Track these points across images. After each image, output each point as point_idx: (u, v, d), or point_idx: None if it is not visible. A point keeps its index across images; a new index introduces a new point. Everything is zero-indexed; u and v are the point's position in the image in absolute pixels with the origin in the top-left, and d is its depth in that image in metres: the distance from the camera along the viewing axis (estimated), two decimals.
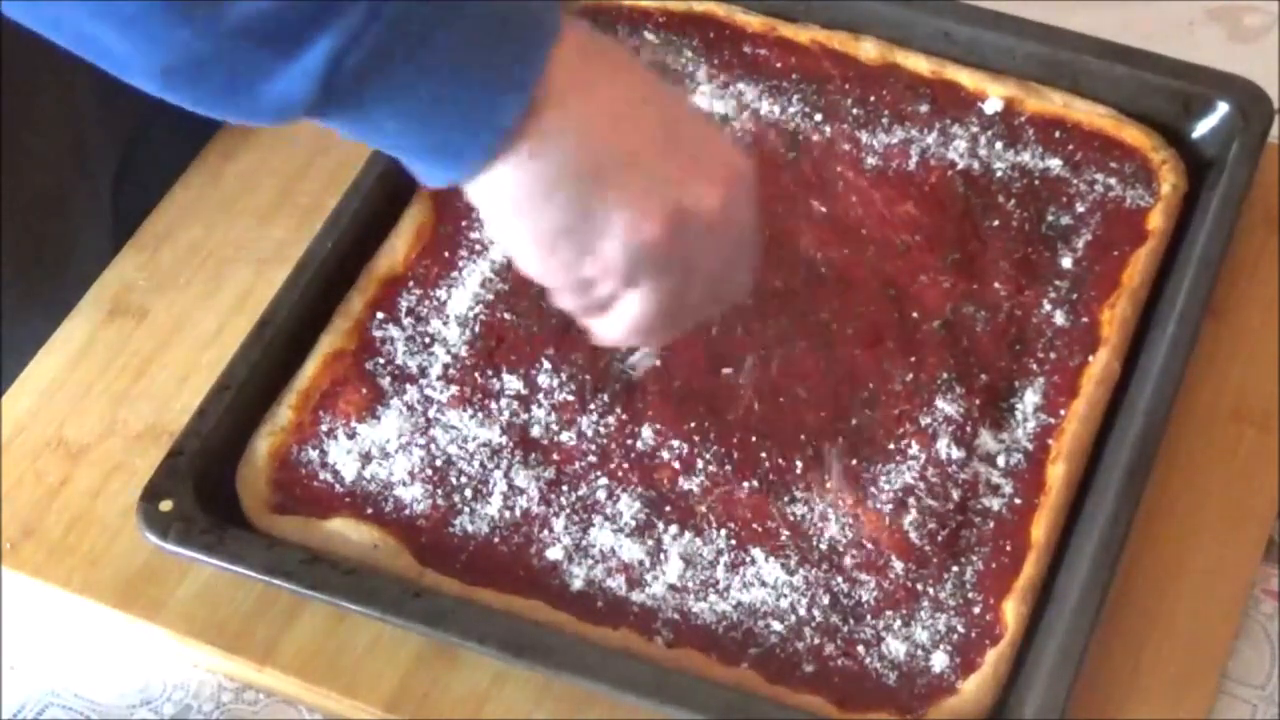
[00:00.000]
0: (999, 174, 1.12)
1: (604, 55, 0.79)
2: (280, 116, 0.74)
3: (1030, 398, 1.03)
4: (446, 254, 1.08)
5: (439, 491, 0.99)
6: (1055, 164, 1.13)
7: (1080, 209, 1.11)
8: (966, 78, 1.16)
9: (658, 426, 1.01)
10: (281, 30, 0.71)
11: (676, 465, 1.00)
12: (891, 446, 1.01)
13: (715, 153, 0.81)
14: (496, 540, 0.98)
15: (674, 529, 0.98)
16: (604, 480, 0.99)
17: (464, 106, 0.75)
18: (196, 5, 0.71)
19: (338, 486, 1.00)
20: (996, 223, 1.10)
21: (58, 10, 0.72)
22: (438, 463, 1.00)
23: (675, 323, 0.85)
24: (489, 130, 0.75)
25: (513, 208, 0.78)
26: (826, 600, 0.95)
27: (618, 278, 0.80)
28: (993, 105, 1.15)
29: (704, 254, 0.80)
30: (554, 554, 0.97)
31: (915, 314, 1.06)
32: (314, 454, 1.01)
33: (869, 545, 0.97)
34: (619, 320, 0.83)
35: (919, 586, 0.96)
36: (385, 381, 1.03)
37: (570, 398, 1.02)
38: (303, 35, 0.71)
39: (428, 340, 1.05)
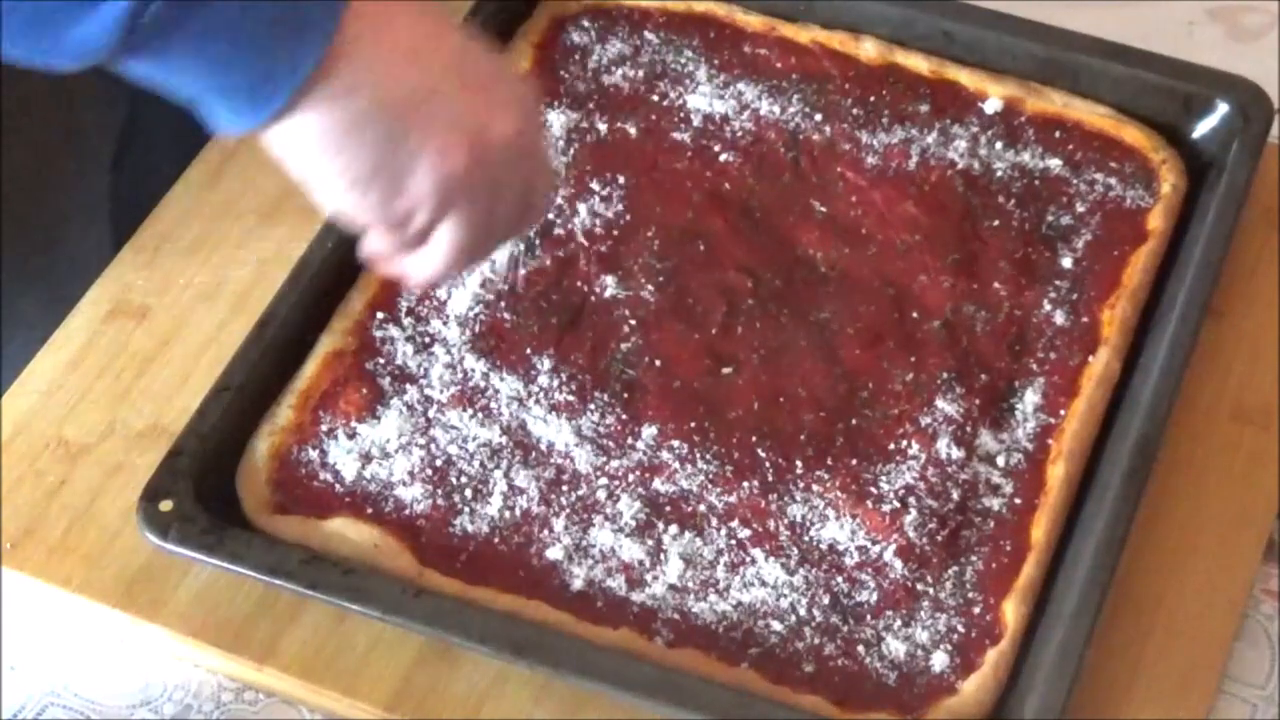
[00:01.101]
0: (999, 174, 1.12)
1: None
2: (81, 60, 0.74)
3: (1030, 398, 1.03)
4: None
5: (439, 491, 0.99)
6: (1055, 164, 1.13)
7: (1080, 209, 1.11)
8: (966, 78, 1.16)
9: (658, 426, 1.01)
10: None
11: (676, 465, 1.00)
12: (891, 446, 1.01)
13: (504, 82, 0.84)
14: (496, 540, 0.98)
15: (674, 529, 0.98)
16: (604, 480, 0.99)
17: (264, 53, 0.76)
18: None
19: (338, 486, 1.00)
20: (996, 223, 1.10)
21: None
22: (438, 463, 1.00)
23: (486, 247, 0.88)
24: (290, 75, 0.76)
25: (321, 150, 0.79)
26: (826, 600, 0.95)
27: (430, 209, 0.82)
28: (993, 105, 1.15)
29: (507, 177, 0.83)
30: (554, 554, 0.97)
31: (915, 314, 1.06)
32: (314, 454, 1.01)
33: (869, 545, 0.97)
34: (436, 251, 0.85)
35: (919, 586, 0.96)
36: (385, 381, 1.03)
37: (570, 398, 1.02)
38: None
39: (428, 340, 1.05)
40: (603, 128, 1.15)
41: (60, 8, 0.73)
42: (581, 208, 1.11)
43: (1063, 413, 1.02)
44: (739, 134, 1.15)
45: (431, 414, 1.02)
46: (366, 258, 0.89)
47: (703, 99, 1.16)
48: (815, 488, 0.99)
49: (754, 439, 1.01)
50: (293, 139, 0.79)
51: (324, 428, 1.01)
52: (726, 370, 1.04)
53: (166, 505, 0.96)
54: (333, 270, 1.06)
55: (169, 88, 0.77)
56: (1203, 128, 1.13)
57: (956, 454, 1.00)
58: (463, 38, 0.83)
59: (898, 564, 0.96)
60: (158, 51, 0.75)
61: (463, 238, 0.84)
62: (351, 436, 1.01)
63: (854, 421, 1.02)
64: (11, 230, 1.12)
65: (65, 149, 1.15)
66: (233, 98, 0.77)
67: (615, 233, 1.10)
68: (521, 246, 1.09)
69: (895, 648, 0.94)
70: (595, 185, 1.12)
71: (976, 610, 0.95)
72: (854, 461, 1.00)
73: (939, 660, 0.93)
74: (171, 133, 1.18)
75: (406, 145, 0.79)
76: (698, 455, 1.00)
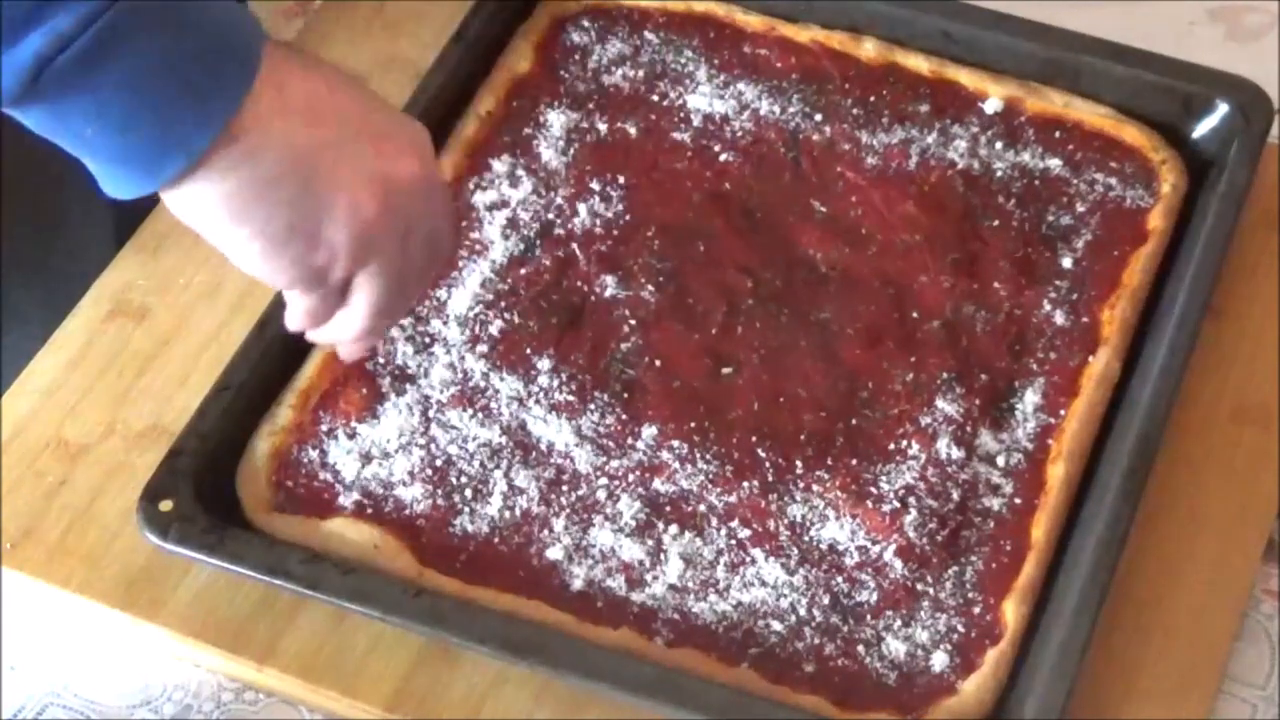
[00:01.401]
0: (999, 174, 1.12)
1: (288, 55, 0.80)
2: None
3: (1030, 398, 1.03)
4: None
5: (439, 491, 0.99)
6: (1055, 164, 1.13)
7: (1080, 209, 1.11)
8: (966, 78, 1.16)
9: (658, 426, 1.01)
10: None
11: (676, 465, 1.00)
12: (891, 446, 1.01)
13: (400, 126, 0.84)
14: (496, 540, 0.98)
15: (674, 529, 0.98)
16: (604, 480, 0.99)
17: (165, 119, 0.75)
18: None
19: (338, 486, 1.00)
20: (996, 223, 1.10)
21: None
22: (438, 463, 1.00)
23: (405, 295, 0.87)
24: (187, 143, 0.76)
25: (229, 215, 0.78)
26: (826, 600, 0.95)
27: (348, 259, 0.82)
28: (993, 105, 1.15)
29: (416, 217, 0.83)
30: (554, 554, 0.97)
31: (915, 314, 1.06)
32: (314, 454, 1.01)
33: (869, 545, 0.97)
34: (360, 304, 0.85)
35: (919, 586, 0.96)
36: (385, 381, 1.03)
37: (570, 398, 1.02)
38: (15, 30, 0.71)
39: (428, 340, 1.05)
40: (603, 128, 1.15)
41: None
42: (581, 208, 1.11)
43: (1063, 413, 1.02)
44: (739, 134, 1.15)
45: (431, 414, 1.02)
46: (294, 329, 0.88)
47: (703, 99, 1.16)
48: (815, 488, 0.99)
49: (754, 439, 1.01)
50: (195, 204, 0.78)
51: (324, 428, 1.01)
52: (726, 370, 1.04)
53: (166, 505, 0.96)
54: None
55: (61, 142, 0.76)
56: (1203, 128, 1.13)
57: (956, 454, 1.00)
58: (354, 87, 0.83)
59: (898, 564, 0.96)
60: (55, 105, 0.74)
61: (382, 286, 0.84)
62: (351, 436, 1.01)
63: (854, 421, 1.02)
64: (12, 225, 1.11)
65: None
66: (122, 162, 0.76)
67: (615, 233, 1.10)
68: (521, 246, 1.09)
69: (895, 648, 0.94)
70: (595, 185, 1.12)
71: (976, 610, 0.95)
72: (854, 461, 1.00)
73: (939, 660, 0.94)
74: None
75: (317, 201, 0.79)
76: (698, 455, 1.00)
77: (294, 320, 0.87)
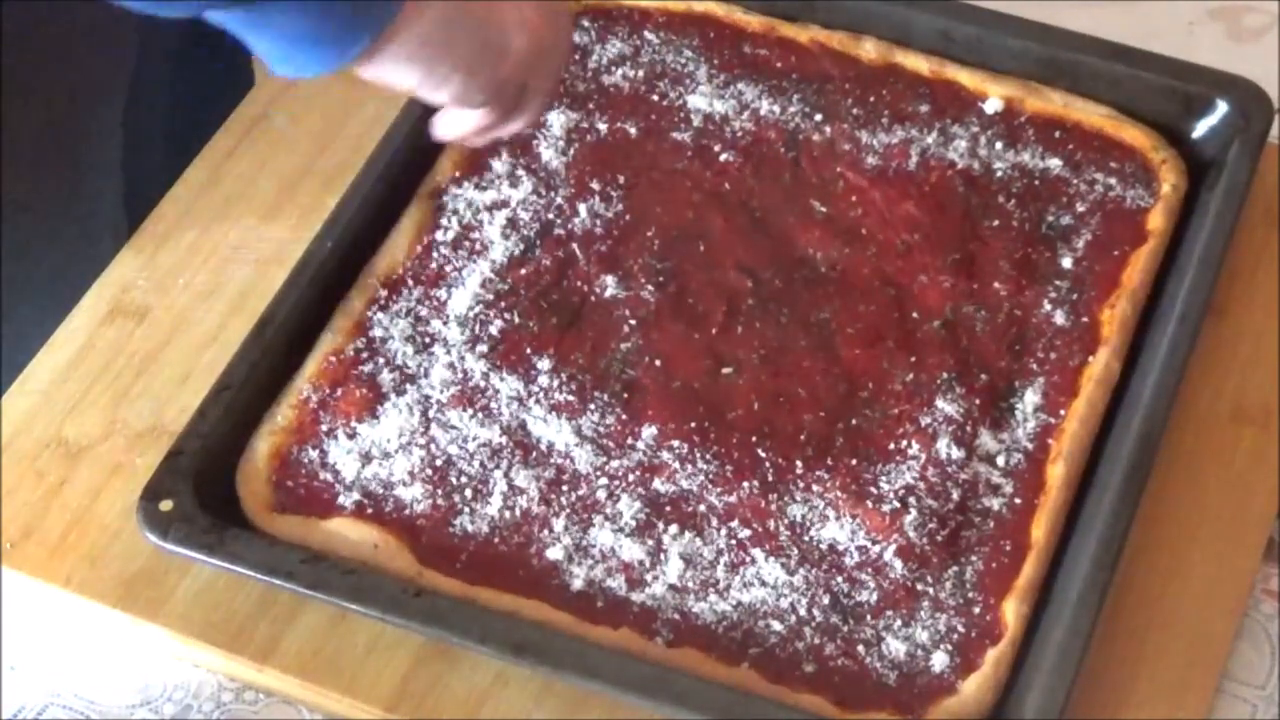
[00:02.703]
0: (999, 174, 1.12)
1: None
2: (189, 9, 0.80)
3: (1030, 398, 1.03)
4: (446, 254, 1.08)
5: (439, 491, 0.99)
6: (1055, 164, 1.13)
7: (1080, 209, 1.11)
8: (966, 78, 1.16)
9: (657, 427, 1.01)
10: None
11: (676, 465, 1.00)
12: (891, 446, 1.01)
13: None
14: (496, 540, 0.98)
15: (674, 529, 0.98)
16: (604, 480, 0.99)
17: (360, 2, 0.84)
18: None
19: (338, 486, 1.00)
20: (996, 223, 1.10)
21: None
22: (438, 463, 1.00)
23: (558, 84, 1.01)
24: (380, 16, 0.83)
25: (426, 61, 0.88)
26: (826, 600, 0.95)
27: (528, 64, 0.92)
28: (993, 105, 1.15)
29: (561, 19, 0.95)
30: (554, 554, 0.97)
31: (915, 314, 1.06)
32: (314, 454, 1.01)
33: (869, 545, 0.97)
34: (534, 101, 0.95)
35: (919, 586, 0.96)
36: (385, 381, 1.03)
37: (570, 398, 1.02)
38: None
39: (428, 340, 1.05)
40: (603, 128, 1.15)
41: None
42: (581, 208, 1.11)
43: (1063, 413, 1.02)
44: (739, 134, 1.15)
45: (431, 414, 1.02)
46: (449, 138, 0.98)
47: (703, 99, 1.16)
48: (815, 488, 0.99)
49: (754, 439, 1.01)
50: (387, 67, 0.87)
51: (324, 428, 1.01)
52: (726, 370, 1.04)
53: (166, 505, 0.96)
54: (333, 270, 1.07)
55: (249, 35, 0.82)
56: (1202, 128, 1.13)
57: (956, 454, 1.00)
58: None
59: (898, 564, 0.96)
60: (261, 4, 0.80)
61: (550, 80, 0.95)
62: (351, 436, 1.01)
63: (854, 421, 1.02)
64: (20, 188, 1.11)
65: (74, 105, 1.15)
66: (316, 44, 0.83)
67: (615, 233, 1.10)
68: (521, 246, 1.09)
69: (895, 648, 0.94)
70: (595, 185, 1.12)
71: (976, 610, 0.95)
72: (854, 461, 1.00)
73: (939, 660, 0.94)
74: (178, 89, 1.18)
75: (492, 23, 0.89)
76: (698, 455, 1.00)
77: (456, 130, 0.97)
